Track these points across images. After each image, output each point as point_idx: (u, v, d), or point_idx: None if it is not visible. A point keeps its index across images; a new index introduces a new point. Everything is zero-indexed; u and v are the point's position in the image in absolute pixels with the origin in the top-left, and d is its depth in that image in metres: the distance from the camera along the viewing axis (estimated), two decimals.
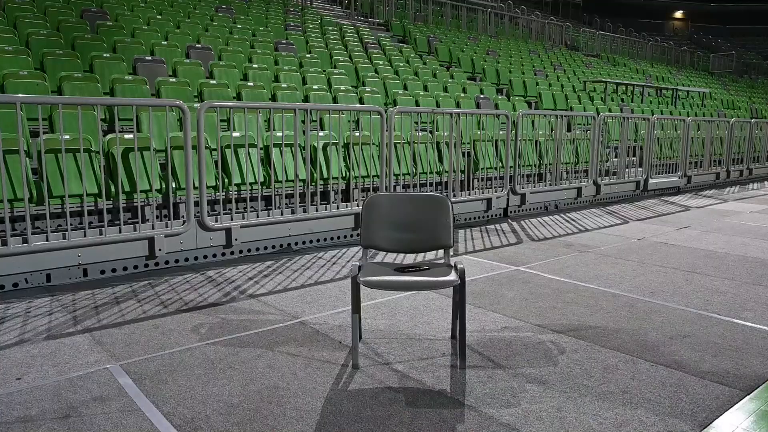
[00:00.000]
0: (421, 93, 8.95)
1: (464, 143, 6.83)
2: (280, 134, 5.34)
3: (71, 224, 4.14)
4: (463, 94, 9.67)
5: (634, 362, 2.77)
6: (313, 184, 5.24)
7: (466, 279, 4.18)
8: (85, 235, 4.01)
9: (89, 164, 4.37)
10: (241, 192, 5.15)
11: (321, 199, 5.42)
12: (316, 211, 5.18)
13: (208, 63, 7.85)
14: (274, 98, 7.25)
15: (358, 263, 2.73)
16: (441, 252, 5.04)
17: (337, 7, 17.03)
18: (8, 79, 5.54)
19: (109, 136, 4.55)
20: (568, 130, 8.23)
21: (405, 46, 13.63)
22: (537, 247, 5.35)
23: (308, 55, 9.68)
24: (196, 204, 4.50)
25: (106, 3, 9.73)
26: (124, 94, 6.11)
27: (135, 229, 4.23)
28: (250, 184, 5.09)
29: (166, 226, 4.37)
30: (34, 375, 2.56)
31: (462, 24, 18.37)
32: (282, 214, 5.00)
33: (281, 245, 5.09)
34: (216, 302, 3.62)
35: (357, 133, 5.84)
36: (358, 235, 5.49)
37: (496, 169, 6.97)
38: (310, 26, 12.37)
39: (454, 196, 6.36)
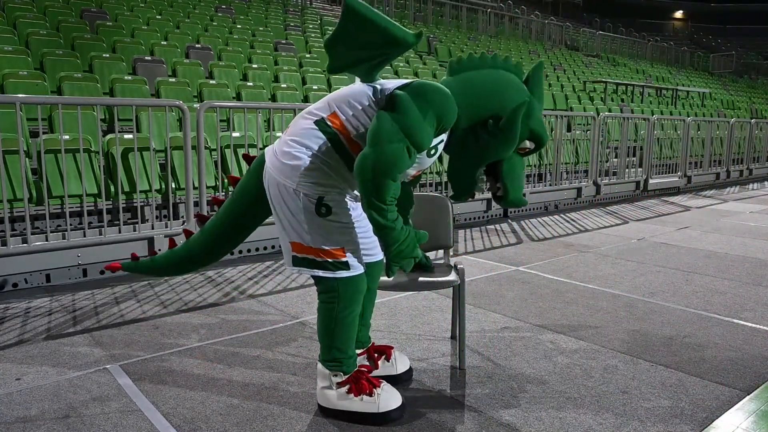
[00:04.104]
0: None
1: None
2: (280, 134, 5.34)
3: (71, 224, 4.14)
4: None
5: (634, 362, 2.77)
6: None
7: (466, 279, 4.18)
8: (84, 236, 4.01)
9: (89, 164, 4.37)
10: None
11: None
12: None
13: (208, 63, 7.85)
14: (273, 98, 7.25)
15: None
16: (441, 252, 5.03)
17: (337, 7, 17.02)
18: (8, 79, 5.54)
19: (109, 136, 4.54)
20: (568, 130, 8.23)
21: None
22: (537, 247, 5.35)
23: (308, 55, 9.68)
24: (196, 204, 4.49)
25: (106, 3, 9.73)
26: (123, 94, 6.11)
27: (134, 230, 4.23)
28: None
29: (166, 227, 4.37)
30: (34, 375, 2.56)
31: (462, 24, 18.38)
32: None
33: (281, 245, 5.08)
34: (216, 302, 3.62)
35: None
36: None
37: None
38: (310, 26, 12.37)
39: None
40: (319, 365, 2.24)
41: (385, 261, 2.13)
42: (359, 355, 2.47)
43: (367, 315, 2.46)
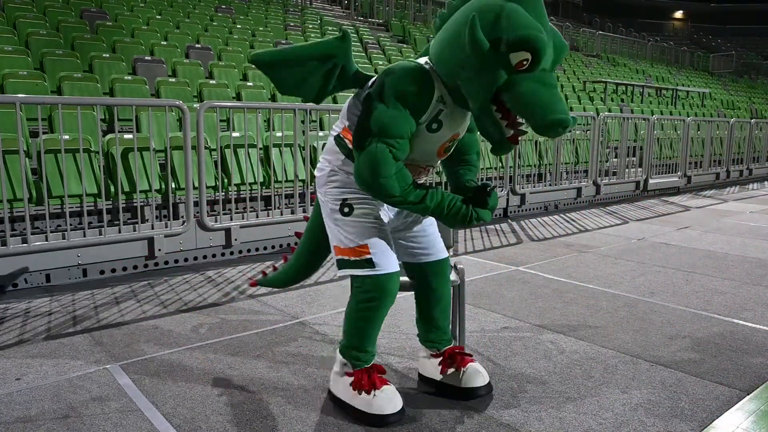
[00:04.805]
0: None
1: None
2: (279, 134, 5.34)
3: (71, 224, 4.14)
4: None
5: (634, 362, 2.77)
6: (313, 184, 5.24)
7: (466, 279, 4.17)
8: (84, 236, 4.01)
9: (89, 164, 4.37)
10: (241, 192, 5.15)
11: None
12: None
13: (208, 63, 7.85)
14: (273, 98, 7.26)
15: None
16: None
17: (337, 8, 17.03)
18: (8, 79, 5.54)
19: (109, 136, 4.54)
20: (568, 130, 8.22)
21: (405, 46, 13.63)
22: (537, 247, 5.35)
23: None
24: (196, 204, 4.49)
25: (106, 3, 9.73)
26: (123, 94, 6.11)
27: (134, 230, 4.23)
28: (250, 184, 5.08)
29: (166, 227, 4.37)
30: (34, 375, 2.56)
31: None
32: (282, 214, 5.00)
33: (281, 245, 5.08)
34: (216, 302, 3.62)
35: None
36: None
37: (496, 169, 6.97)
38: (310, 26, 12.37)
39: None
40: (338, 350, 2.31)
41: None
42: (434, 356, 2.45)
43: (439, 317, 2.43)
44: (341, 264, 2.20)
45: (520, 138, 1.98)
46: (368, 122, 1.99)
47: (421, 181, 2.28)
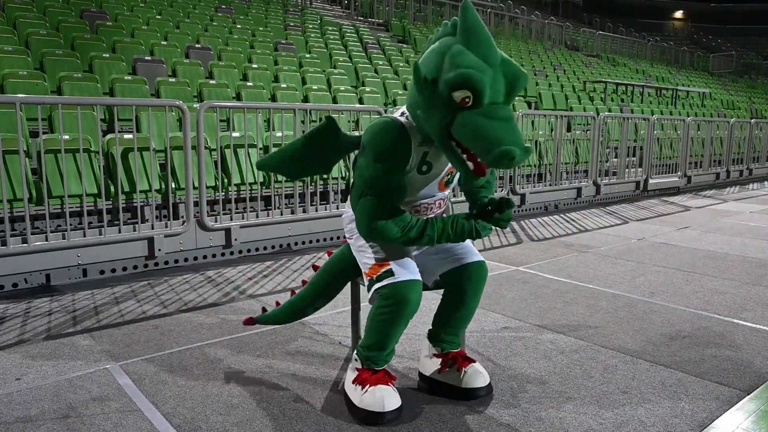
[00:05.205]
0: None
1: None
2: (279, 134, 5.34)
3: (71, 224, 4.13)
4: None
5: (634, 362, 2.77)
6: (313, 184, 5.24)
7: None
8: (84, 236, 4.01)
9: (89, 164, 4.37)
10: (241, 192, 5.14)
11: (321, 199, 5.42)
12: (316, 211, 5.18)
13: (208, 63, 7.85)
14: (273, 98, 7.25)
15: None
16: None
17: (337, 8, 17.03)
18: (8, 79, 5.54)
19: (109, 136, 4.54)
20: (568, 130, 8.23)
21: (405, 46, 13.63)
22: (537, 247, 5.35)
23: (308, 55, 9.69)
24: (196, 204, 4.49)
25: (106, 3, 9.73)
26: (123, 94, 6.11)
27: (134, 230, 4.23)
28: (250, 184, 5.08)
29: (166, 227, 4.37)
30: (34, 375, 2.56)
31: None
32: (282, 214, 5.00)
33: (281, 245, 5.09)
34: (215, 302, 3.62)
35: (357, 133, 5.83)
36: None
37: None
38: (310, 26, 12.37)
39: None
40: (356, 350, 2.38)
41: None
42: (436, 356, 2.48)
43: (459, 319, 2.45)
44: (369, 285, 2.28)
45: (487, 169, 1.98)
46: (357, 180, 2.16)
47: (437, 214, 2.36)
